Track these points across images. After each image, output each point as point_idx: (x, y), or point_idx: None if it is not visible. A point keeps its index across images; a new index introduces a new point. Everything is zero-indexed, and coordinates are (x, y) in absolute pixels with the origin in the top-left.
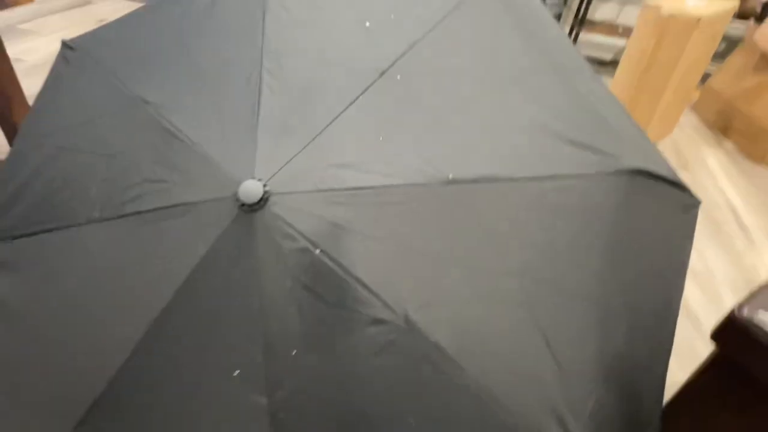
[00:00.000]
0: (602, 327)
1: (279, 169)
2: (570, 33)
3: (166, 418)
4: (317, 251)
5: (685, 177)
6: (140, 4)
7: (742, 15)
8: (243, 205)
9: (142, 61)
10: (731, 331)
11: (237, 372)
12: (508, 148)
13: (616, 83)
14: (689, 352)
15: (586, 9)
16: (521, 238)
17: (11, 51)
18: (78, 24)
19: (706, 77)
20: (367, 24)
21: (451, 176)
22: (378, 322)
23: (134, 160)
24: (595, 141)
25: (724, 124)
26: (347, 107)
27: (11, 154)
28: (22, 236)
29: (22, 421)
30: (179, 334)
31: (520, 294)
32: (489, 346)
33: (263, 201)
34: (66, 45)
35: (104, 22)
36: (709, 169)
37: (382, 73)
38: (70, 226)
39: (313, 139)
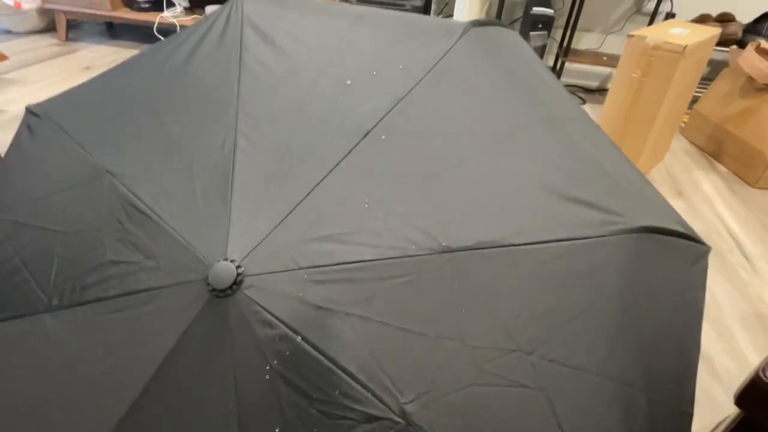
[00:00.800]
0: (621, 405)
1: (254, 247)
2: (555, 62)
3: None
4: (298, 338)
5: (680, 204)
6: (125, 50)
7: (723, 41)
8: (214, 290)
9: (109, 128)
10: (755, 396)
11: None
12: (506, 211)
13: (605, 115)
14: (705, 398)
15: (570, 39)
16: (526, 311)
17: None
18: (63, 73)
19: (694, 100)
20: (348, 82)
21: (444, 244)
22: (370, 419)
23: (97, 239)
24: (599, 198)
25: (716, 148)
26: (329, 173)
27: None
28: None
29: None
30: None
31: (528, 375)
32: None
33: (236, 285)
34: (30, 111)
35: (89, 69)
36: (704, 194)
37: (366, 134)
38: (26, 315)
39: (293, 210)
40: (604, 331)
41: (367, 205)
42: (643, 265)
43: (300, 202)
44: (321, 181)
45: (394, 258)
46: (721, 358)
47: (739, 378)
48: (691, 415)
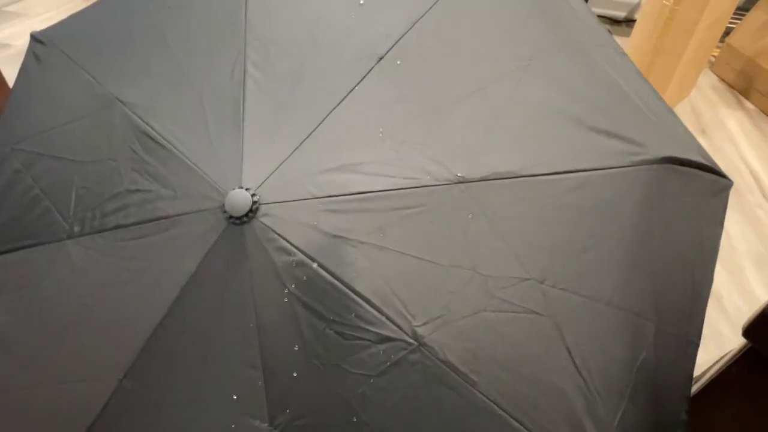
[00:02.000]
0: (629, 333)
1: (269, 176)
2: None
3: None
4: (314, 265)
5: (703, 142)
6: None
7: None
8: (231, 217)
9: (116, 55)
10: (764, 327)
11: (235, 396)
12: (524, 140)
13: (632, 46)
14: (711, 332)
15: None
16: (540, 241)
17: None
18: (65, 4)
19: (727, 32)
20: (361, 1)
21: (459, 175)
22: (384, 339)
23: (113, 168)
24: (621, 127)
25: (745, 85)
26: (342, 100)
27: None
28: (2, 253)
29: None
30: (172, 357)
31: (538, 302)
32: (506, 360)
33: (252, 212)
34: (35, 38)
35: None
36: (728, 133)
37: (380, 59)
38: (50, 242)
39: (306, 139)
40: (618, 262)
41: (381, 135)
42: (662, 197)
43: (313, 131)
44: (334, 109)
45: (408, 188)
46: (731, 296)
47: (747, 315)
48: (697, 346)
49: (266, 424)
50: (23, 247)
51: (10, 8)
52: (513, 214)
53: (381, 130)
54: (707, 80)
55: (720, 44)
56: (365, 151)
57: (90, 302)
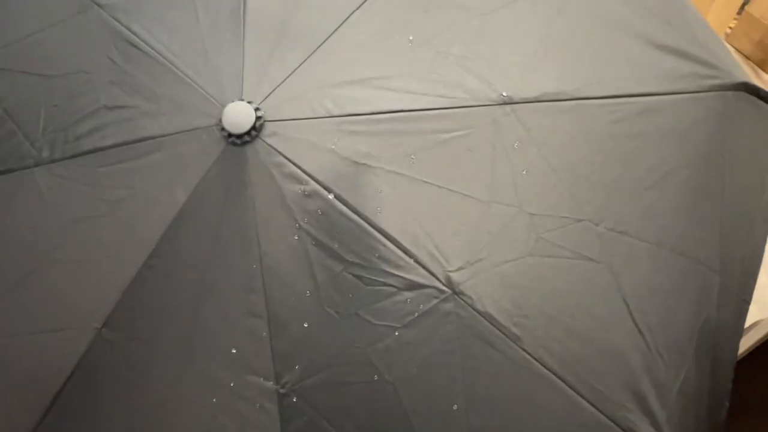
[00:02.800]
0: (695, 286)
1: (275, 88)
2: None
3: (148, 407)
4: (330, 196)
5: None
6: None
7: None
8: (230, 135)
9: None
10: None
11: (234, 350)
12: (580, 56)
13: None
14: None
15: None
16: (596, 175)
17: None
18: None
19: (745, 2)
20: None
21: (505, 94)
22: (412, 286)
23: (88, 82)
24: (691, 45)
25: (764, 56)
26: (363, 1)
27: None
28: None
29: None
30: (159, 304)
31: (594, 247)
32: (554, 313)
33: (256, 130)
34: None
35: None
36: None
37: None
38: (14, 170)
39: (319, 47)
40: (685, 203)
41: (411, 43)
42: (736, 131)
43: (329, 36)
44: (354, 10)
45: (443, 108)
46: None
47: None
48: (748, 305)
49: (271, 383)
50: None
51: None
52: (566, 143)
53: (411, 37)
54: None
55: (738, 16)
56: (393, 62)
57: (62, 240)
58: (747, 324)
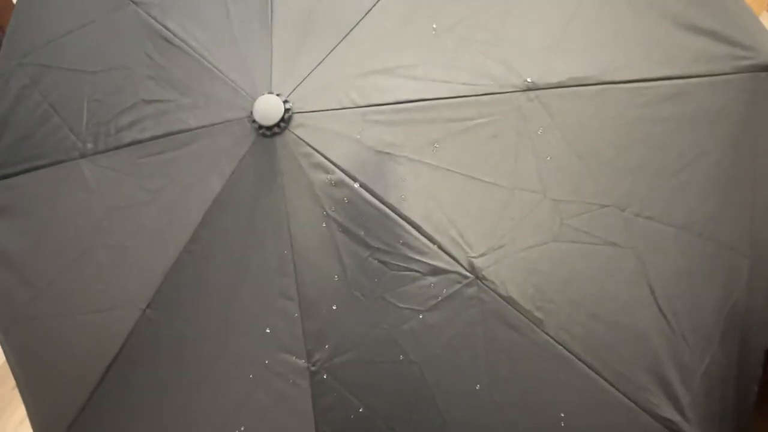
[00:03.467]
0: (722, 271)
1: (302, 80)
2: None
3: (189, 382)
4: (356, 185)
5: None
6: None
7: None
8: (260, 127)
9: None
10: None
11: (268, 330)
12: (605, 39)
13: None
14: None
15: None
16: (622, 160)
17: None
18: None
19: None
20: None
21: (529, 80)
22: (435, 271)
23: (126, 76)
24: (724, 26)
25: None
26: None
27: None
28: (12, 175)
29: (37, 378)
30: (198, 286)
31: (619, 233)
32: (578, 298)
33: (285, 122)
34: None
35: None
36: None
37: None
38: (62, 162)
39: (345, 37)
40: (714, 187)
41: (434, 31)
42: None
43: (354, 27)
44: (378, 1)
45: (467, 96)
46: None
47: None
48: None
49: (303, 361)
50: (34, 168)
51: None
52: (591, 128)
53: (434, 25)
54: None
55: None
56: (416, 51)
57: (107, 225)
58: None
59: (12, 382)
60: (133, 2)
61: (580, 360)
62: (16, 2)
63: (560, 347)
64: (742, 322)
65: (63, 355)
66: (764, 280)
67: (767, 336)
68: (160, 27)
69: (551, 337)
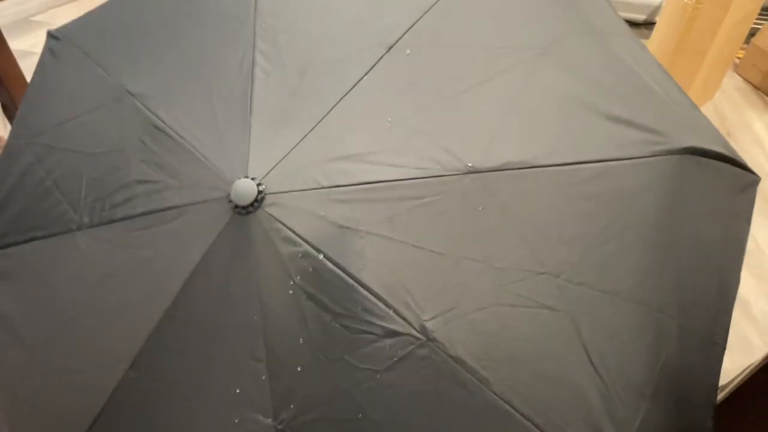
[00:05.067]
0: (650, 332)
1: (275, 165)
2: None
3: None
4: (320, 256)
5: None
6: None
7: None
8: (236, 206)
9: (129, 48)
10: None
11: (238, 390)
12: (537, 129)
13: (653, 48)
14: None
15: None
16: (555, 233)
17: (24, 44)
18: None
19: (752, 33)
20: None
21: (470, 164)
22: (391, 333)
23: (122, 159)
24: (640, 115)
25: None
26: (351, 89)
27: (3, 155)
28: (13, 244)
29: (38, 423)
30: (176, 348)
31: (554, 297)
32: (520, 357)
33: (258, 202)
34: (51, 35)
35: None
36: (755, 136)
37: (390, 48)
38: (60, 233)
39: (313, 128)
40: (638, 256)
41: (389, 124)
42: (686, 189)
43: (320, 120)
44: (342, 98)
45: (417, 178)
46: (759, 303)
47: None
48: (723, 348)
49: (270, 420)
50: (35, 238)
51: (37, 18)
52: (526, 206)
53: (389, 119)
54: (732, 82)
55: (745, 45)
56: (374, 140)
57: (99, 292)
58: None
59: None
60: (131, 94)
61: (523, 416)
62: (29, 86)
63: (505, 404)
64: (677, 380)
65: (50, 413)
66: (697, 339)
67: (714, 392)
68: (153, 116)
69: (496, 395)
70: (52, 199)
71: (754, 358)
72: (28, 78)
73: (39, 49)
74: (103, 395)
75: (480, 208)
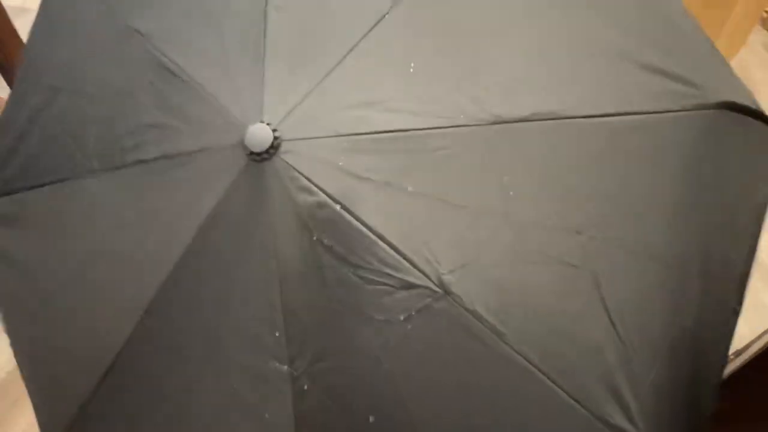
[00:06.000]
0: (672, 292)
1: (291, 110)
2: None
3: (183, 383)
4: (337, 207)
5: None
6: None
7: None
8: (251, 153)
9: None
10: None
11: (254, 338)
12: (567, 78)
13: None
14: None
15: None
16: (581, 188)
17: (17, 0)
18: None
19: None
20: None
21: (497, 114)
22: (408, 286)
23: (131, 102)
24: (677, 66)
25: None
26: (371, 30)
27: (10, 99)
28: (22, 189)
29: (42, 377)
30: (190, 297)
31: (576, 254)
32: (537, 312)
33: (273, 149)
34: None
35: None
36: None
37: None
38: (70, 179)
39: (331, 72)
40: (665, 215)
41: (412, 69)
42: (717, 146)
43: (339, 63)
44: (361, 40)
45: (440, 128)
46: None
47: None
48: (738, 314)
49: (286, 366)
50: (45, 184)
51: None
52: (553, 160)
53: (412, 63)
54: (759, 38)
55: None
56: (395, 87)
57: (111, 239)
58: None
59: (12, 396)
60: (139, 33)
61: (539, 370)
62: (32, 28)
63: (521, 358)
64: (693, 341)
65: (64, 360)
66: (714, 301)
67: (722, 356)
68: (163, 57)
69: (513, 349)
70: (61, 144)
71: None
72: (24, 36)
73: (35, 5)
74: (118, 342)
75: (505, 160)
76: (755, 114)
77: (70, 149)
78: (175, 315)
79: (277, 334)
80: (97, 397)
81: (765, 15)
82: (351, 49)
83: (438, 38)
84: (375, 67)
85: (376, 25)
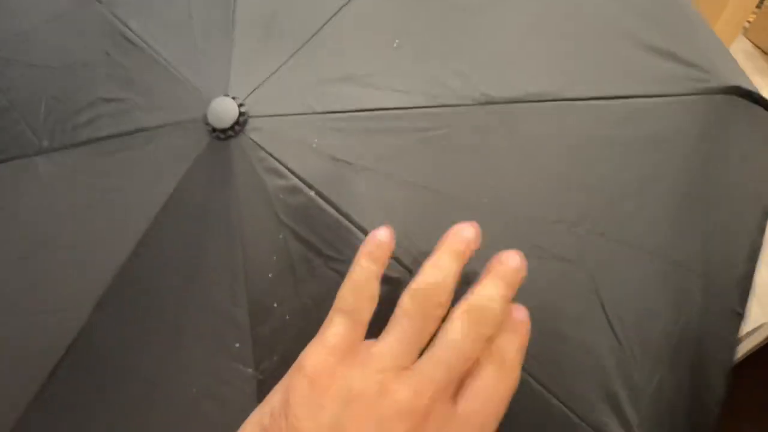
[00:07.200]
0: (674, 290)
1: (260, 84)
2: None
3: (136, 390)
4: (311, 192)
5: None
6: None
7: None
8: (215, 130)
9: None
10: None
11: (216, 337)
12: (566, 57)
13: None
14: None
15: None
16: (577, 177)
17: None
18: None
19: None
20: None
21: (486, 93)
22: (387, 280)
23: (86, 74)
24: (682, 48)
25: None
26: (349, 1)
27: None
28: None
29: None
30: (146, 289)
31: (572, 249)
32: (528, 309)
33: (239, 125)
34: None
35: None
36: None
37: None
38: (19, 157)
39: (306, 43)
40: (668, 208)
41: (396, 41)
42: (723, 135)
43: (315, 33)
44: (341, 8)
45: (425, 107)
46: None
47: None
48: (741, 316)
49: (251, 369)
50: None
51: None
52: (547, 145)
53: (396, 36)
54: (741, 46)
55: (757, 10)
56: (377, 61)
57: (60, 225)
58: (751, 327)
59: None
60: (97, 1)
61: (531, 377)
62: None
63: None
64: (695, 344)
65: (9, 355)
66: (717, 301)
67: (726, 360)
68: (122, 26)
69: None
70: (9, 120)
71: (750, 325)
72: None
73: None
74: (66, 338)
75: (494, 145)
76: (761, 101)
77: (18, 126)
78: (127, 311)
79: (241, 334)
80: (41, 400)
81: (747, 24)
82: (329, 19)
83: (425, 9)
84: (355, 39)
85: None
